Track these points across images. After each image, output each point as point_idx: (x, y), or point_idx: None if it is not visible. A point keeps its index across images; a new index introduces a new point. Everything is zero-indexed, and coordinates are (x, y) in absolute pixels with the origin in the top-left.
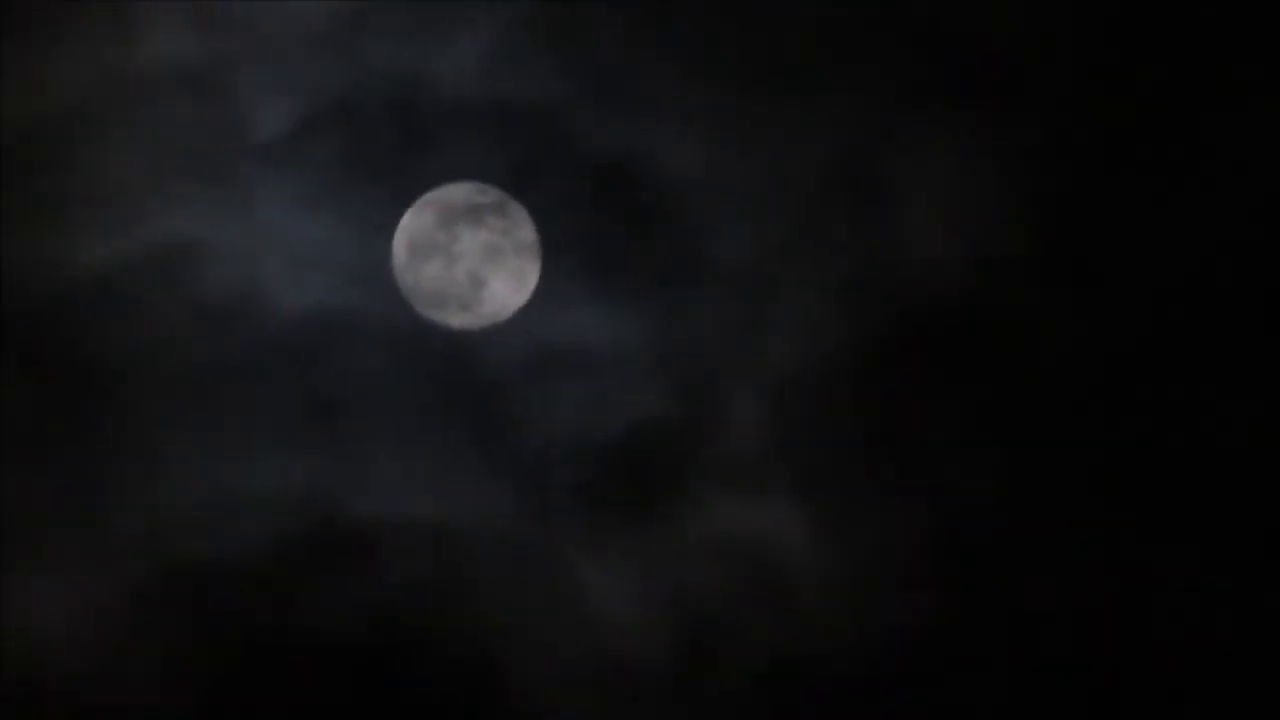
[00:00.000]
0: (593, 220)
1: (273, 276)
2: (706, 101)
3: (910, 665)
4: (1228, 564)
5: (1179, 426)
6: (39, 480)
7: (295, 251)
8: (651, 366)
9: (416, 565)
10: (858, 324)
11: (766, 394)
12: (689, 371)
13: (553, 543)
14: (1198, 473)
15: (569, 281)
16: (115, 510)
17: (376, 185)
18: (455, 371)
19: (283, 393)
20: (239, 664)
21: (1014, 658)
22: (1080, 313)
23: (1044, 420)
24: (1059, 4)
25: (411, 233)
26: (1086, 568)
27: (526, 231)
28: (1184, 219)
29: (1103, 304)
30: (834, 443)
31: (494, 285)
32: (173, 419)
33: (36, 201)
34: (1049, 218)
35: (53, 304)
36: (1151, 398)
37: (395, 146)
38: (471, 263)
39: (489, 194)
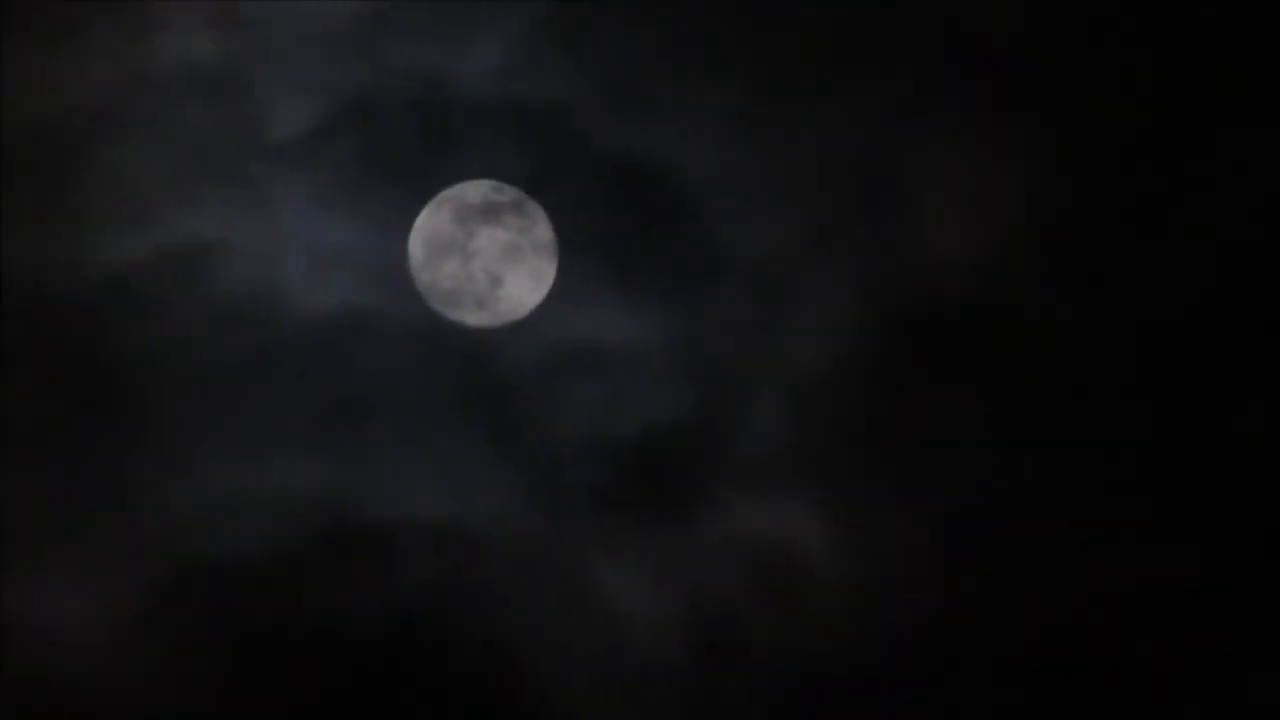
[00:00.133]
0: (611, 220)
1: (290, 276)
2: (724, 101)
3: (926, 665)
4: (1240, 564)
5: (1195, 427)
6: (57, 479)
7: (313, 251)
8: (669, 366)
9: (433, 565)
10: (875, 324)
11: (783, 394)
12: (706, 371)
13: (570, 542)
14: (1211, 473)
15: (587, 281)
16: (133, 509)
17: (394, 185)
18: (473, 371)
19: (300, 392)
20: (256, 663)
21: (1030, 658)
22: (1097, 313)
23: (1061, 421)
24: (1076, 6)
25: (428, 231)
26: (1103, 568)
27: (544, 230)
28: (1199, 222)
29: (1120, 305)
30: (851, 443)
31: (511, 284)
32: (189, 418)
33: (55, 202)
34: (1066, 219)
35: (71, 304)
36: (1168, 399)
37: (413, 147)
38: (488, 261)
39: (506, 193)
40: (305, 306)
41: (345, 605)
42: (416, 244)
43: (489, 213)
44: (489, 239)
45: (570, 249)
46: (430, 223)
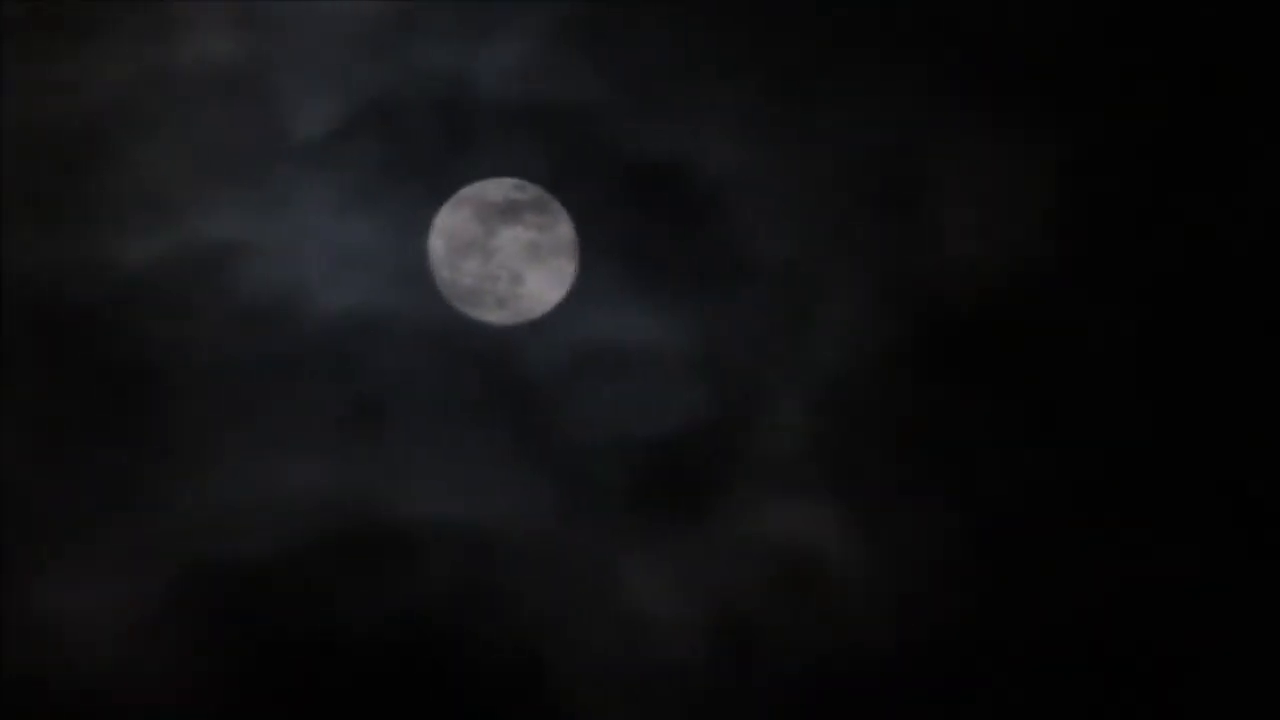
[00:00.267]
0: (633, 220)
1: (313, 277)
2: (747, 102)
3: (949, 666)
4: (1265, 564)
5: (1221, 428)
6: (74, 479)
7: (334, 251)
8: (691, 367)
9: (452, 565)
10: (898, 325)
11: (806, 395)
12: (727, 372)
13: (590, 543)
14: (1239, 475)
15: (609, 281)
16: (150, 509)
17: (417, 185)
18: (494, 371)
19: (322, 393)
20: (272, 664)
21: (1051, 659)
22: (1117, 315)
23: (1083, 422)
24: (1098, 7)
25: (448, 229)
26: (1127, 569)
27: (565, 228)
28: (1221, 224)
29: (1142, 306)
30: (872, 444)
31: (532, 282)
32: (208, 418)
33: (75, 201)
34: (1086, 221)
35: (92, 304)
36: (1192, 400)
37: (436, 147)
38: (509, 259)
39: (527, 190)
40: (326, 306)
41: (364, 606)
42: (437, 242)
43: (510, 211)
44: (510, 237)
45: (592, 248)
46: (451, 220)
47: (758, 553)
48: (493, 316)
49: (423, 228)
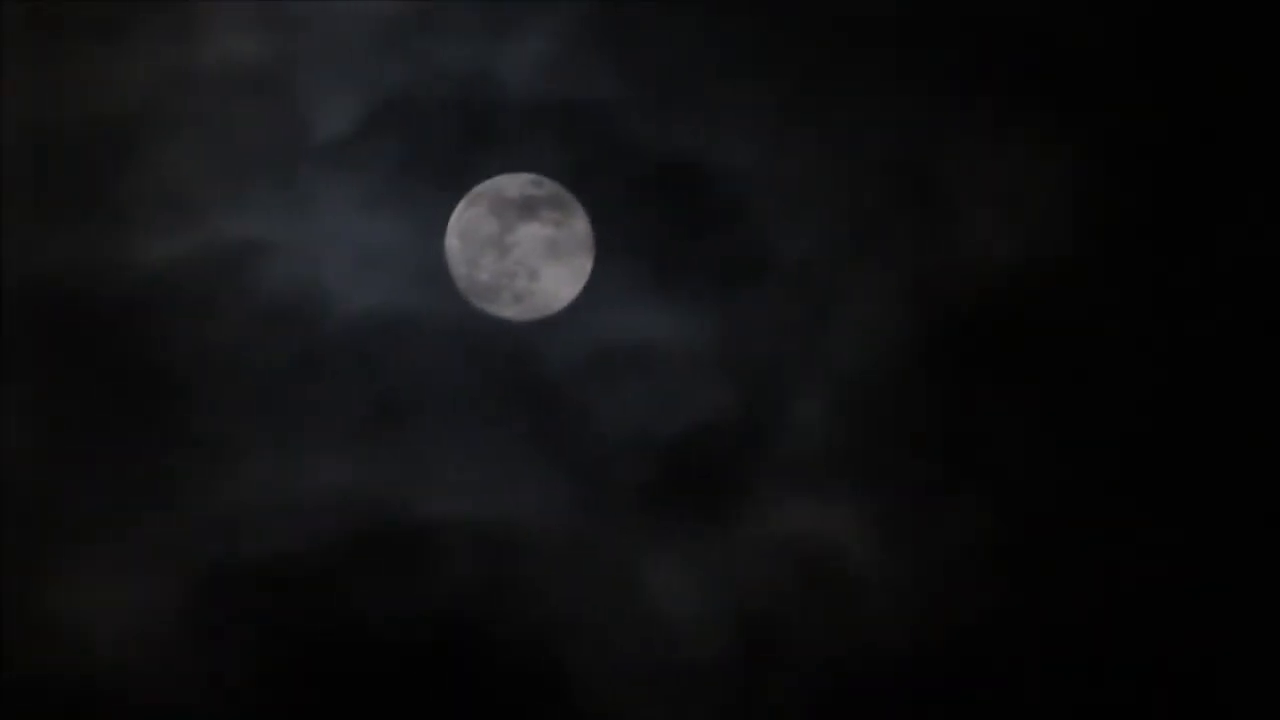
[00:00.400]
0: (651, 217)
1: (334, 275)
2: (767, 101)
3: (970, 665)
4: None
5: (1242, 427)
6: (100, 478)
7: (356, 250)
8: (710, 365)
9: (476, 563)
10: (918, 323)
11: (825, 393)
12: (748, 371)
13: (611, 541)
14: (1257, 473)
15: (626, 277)
16: (175, 508)
17: (437, 184)
18: (514, 368)
19: (342, 392)
20: (298, 662)
21: (1075, 658)
22: (1137, 315)
23: (1104, 420)
24: (1115, 7)
25: (464, 224)
26: (1143, 570)
27: (582, 224)
28: (1243, 221)
29: (1162, 304)
30: (893, 442)
31: (548, 278)
32: (232, 417)
33: (99, 201)
34: (1107, 218)
35: (114, 304)
36: (1211, 398)
37: (456, 146)
38: (526, 254)
39: (544, 185)
40: (348, 305)
41: (387, 604)
42: (453, 237)
43: (527, 207)
44: (527, 234)
45: (610, 245)
46: (467, 215)
47: (777, 552)
48: (509, 311)
49: (443, 226)
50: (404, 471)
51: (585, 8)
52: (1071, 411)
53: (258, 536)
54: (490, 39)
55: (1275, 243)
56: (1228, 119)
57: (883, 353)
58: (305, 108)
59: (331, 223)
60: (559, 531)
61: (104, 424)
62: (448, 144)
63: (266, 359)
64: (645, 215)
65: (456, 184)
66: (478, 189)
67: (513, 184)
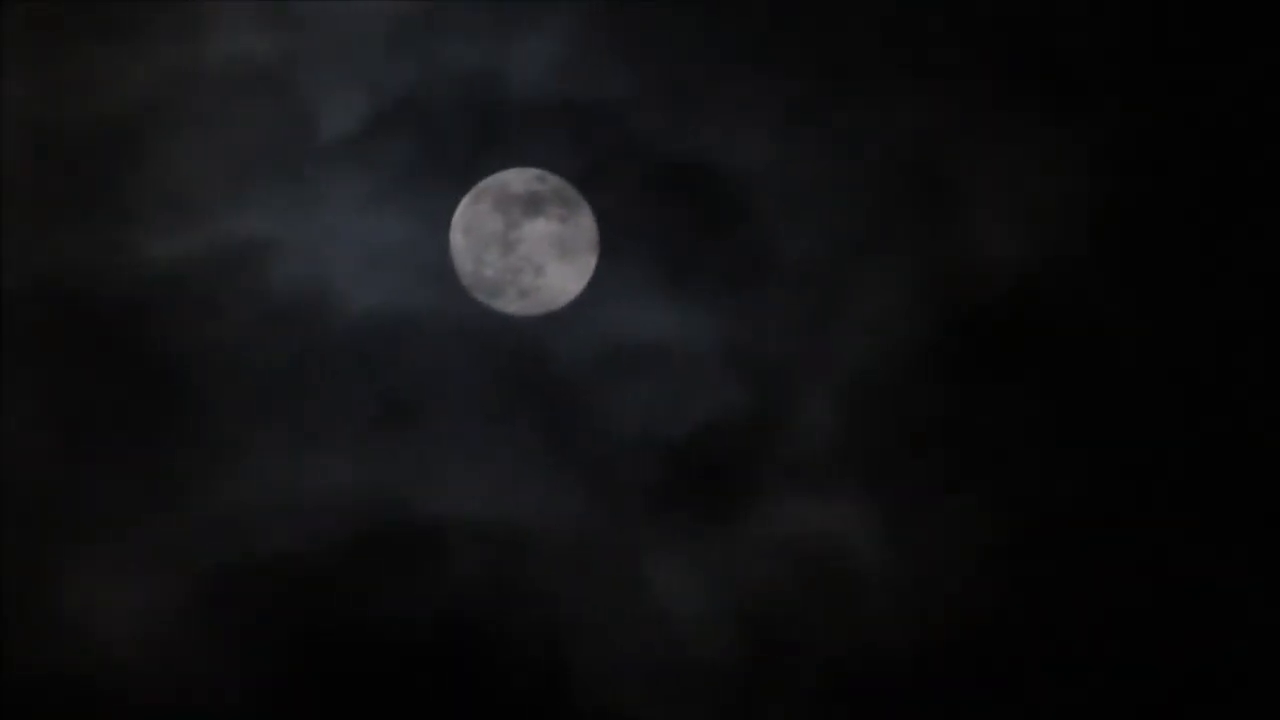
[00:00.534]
0: (661, 216)
1: (340, 274)
2: (776, 99)
3: (976, 664)
4: None
5: (1248, 427)
6: (109, 478)
7: (363, 249)
8: (718, 364)
9: (483, 562)
10: (925, 322)
11: (833, 393)
12: (756, 370)
13: (619, 540)
14: (1259, 473)
15: (633, 275)
16: (182, 507)
17: (444, 183)
18: (521, 367)
19: (348, 390)
20: (304, 661)
21: (1075, 658)
22: (1149, 312)
23: (1112, 419)
24: (1129, 3)
25: (470, 220)
26: (1152, 570)
27: (587, 221)
28: (1256, 220)
29: (1173, 303)
30: (901, 441)
31: (554, 273)
32: (239, 416)
33: (107, 199)
34: (1117, 216)
35: (121, 302)
36: (1221, 397)
37: (463, 145)
38: (533, 251)
39: (548, 181)
40: (354, 303)
41: (391, 604)
42: (458, 233)
43: (532, 203)
44: (533, 230)
45: (617, 242)
46: (472, 211)
47: (784, 551)
48: (514, 307)
49: (448, 224)
50: (409, 470)
51: (592, 7)
52: (1076, 412)
53: (262, 536)
54: (497, 38)
55: None
56: (1237, 120)
57: (889, 352)
58: (311, 106)
59: (337, 221)
60: (563, 530)
61: (107, 424)
62: (454, 143)
63: (271, 358)
64: (652, 213)
65: (463, 183)
66: (482, 184)
67: (518, 179)
